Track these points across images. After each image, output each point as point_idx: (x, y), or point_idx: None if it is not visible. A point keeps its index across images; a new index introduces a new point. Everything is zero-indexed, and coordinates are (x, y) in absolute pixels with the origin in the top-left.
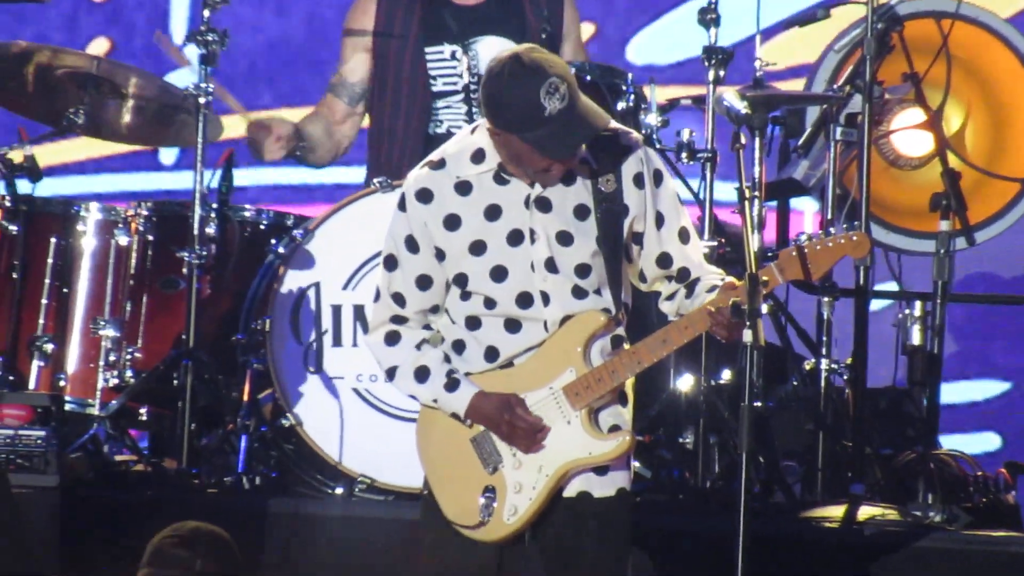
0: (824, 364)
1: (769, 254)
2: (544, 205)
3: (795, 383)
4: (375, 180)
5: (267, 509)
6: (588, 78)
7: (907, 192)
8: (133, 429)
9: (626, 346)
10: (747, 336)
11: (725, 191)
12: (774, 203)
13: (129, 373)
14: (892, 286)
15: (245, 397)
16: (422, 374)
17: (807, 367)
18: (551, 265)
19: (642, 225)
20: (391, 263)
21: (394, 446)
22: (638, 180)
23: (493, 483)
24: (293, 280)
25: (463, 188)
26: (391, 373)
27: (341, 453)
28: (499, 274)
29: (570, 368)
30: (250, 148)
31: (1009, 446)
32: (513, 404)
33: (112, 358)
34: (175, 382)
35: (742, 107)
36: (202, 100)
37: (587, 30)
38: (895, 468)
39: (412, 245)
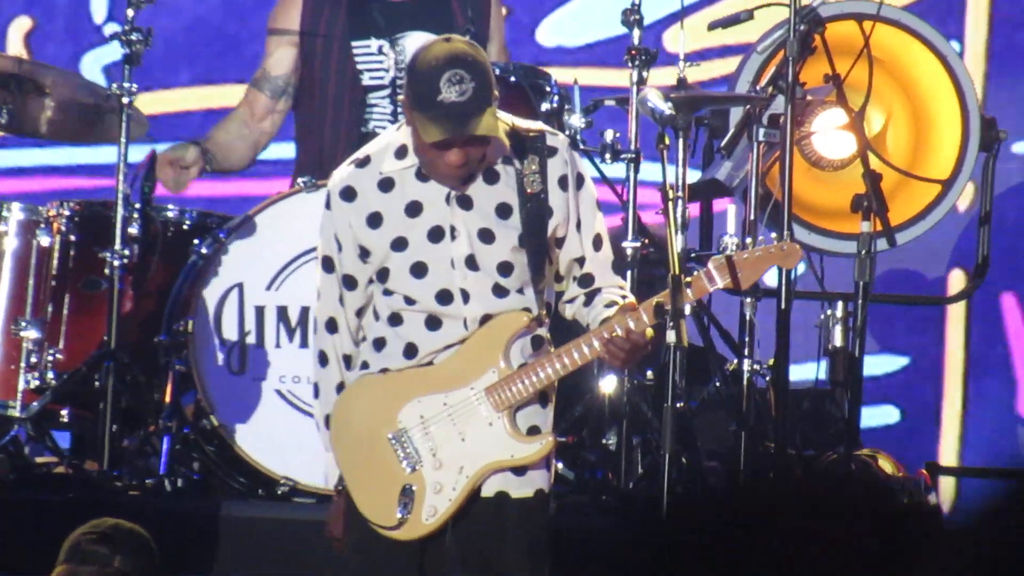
0: (747, 365)
1: (692, 255)
2: (465, 202)
3: (718, 384)
4: (299, 180)
5: (189, 511)
6: (513, 79)
7: (829, 193)
8: (55, 430)
9: (550, 348)
10: (670, 336)
11: (651, 171)
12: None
13: (51, 374)
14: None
15: (167, 399)
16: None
17: (730, 368)
18: (471, 262)
19: (564, 230)
20: (328, 264)
21: (318, 448)
22: (563, 182)
23: (411, 482)
24: (216, 281)
25: (385, 185)
26: (315, 390)
27: (264, 455)
28: (419, 270)
29: (492, 368)
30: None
31: (908, 419)
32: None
33: (33, 359)
34: (96, 383)
35: (666, 108)
36: (125, 100)
37: None
38: (816, 469)
39: (338, 244)
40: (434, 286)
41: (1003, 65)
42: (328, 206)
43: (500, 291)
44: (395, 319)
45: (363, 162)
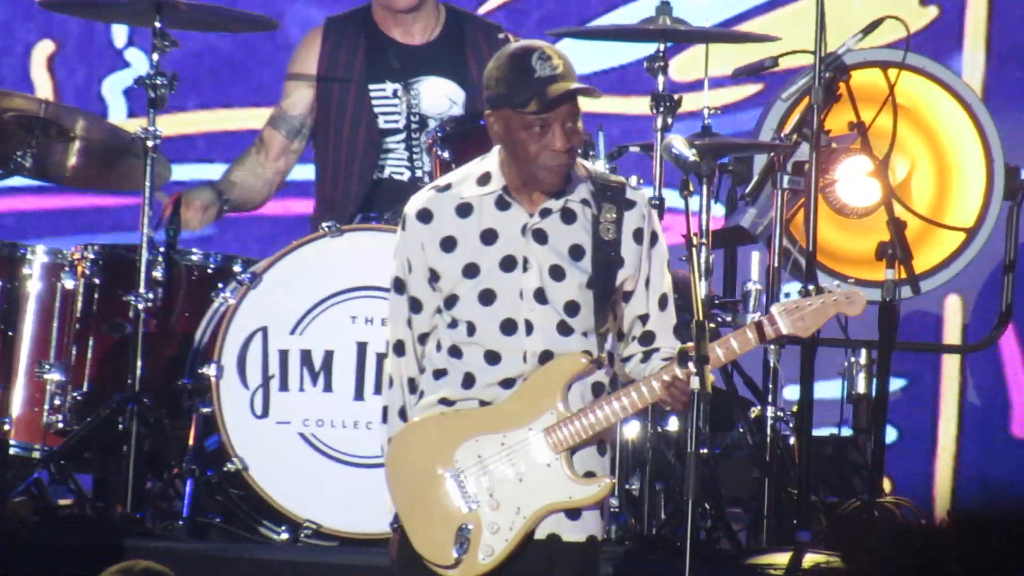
0: (770, 411)
1: (716, 301)
2: (540, 236)
3: (741, 430)
4: (324, 224)
5: (212, 554)
6: None
7: (853, 240)
8: (78, 473)
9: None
10: (694, 383)
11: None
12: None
13: (74, 417)
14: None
15: (191, 442)
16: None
17: (753, 414)
18: (540, 296)
19: (633, 284)
20: (399, 286)
21: (340, 491)
22: (638, 235)
23: (468, 521)
24: (240, 325)
25: (463, 210)
26: (384, 413)
27: (287, 498)
28: (487, 298)
29: (550, 410)
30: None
31: (904, 438)
32: None
33: (57, 402)
34: (120, 426)
35: (691, 154)
36: (150, 143)
37: None
38: (840, 515)
39: (409, 266)
40: (499, 315)
41: (999, 98)
42: (403, 227)
43: (564, 329)
44: (455, 351)
45: (444, 188)
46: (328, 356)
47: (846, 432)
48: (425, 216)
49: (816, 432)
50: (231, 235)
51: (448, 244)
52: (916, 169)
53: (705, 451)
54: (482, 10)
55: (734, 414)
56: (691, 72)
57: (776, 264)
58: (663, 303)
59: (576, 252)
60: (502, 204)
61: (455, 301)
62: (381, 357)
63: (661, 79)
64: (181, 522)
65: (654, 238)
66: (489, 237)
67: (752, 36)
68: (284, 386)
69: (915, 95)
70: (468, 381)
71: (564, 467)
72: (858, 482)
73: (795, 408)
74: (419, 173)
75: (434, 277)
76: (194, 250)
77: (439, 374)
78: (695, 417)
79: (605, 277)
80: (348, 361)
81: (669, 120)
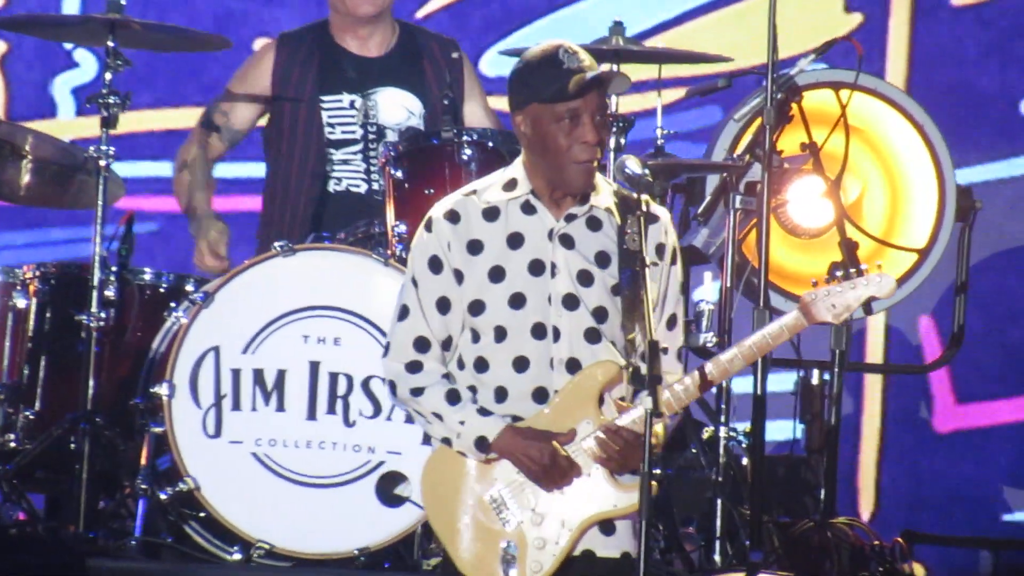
0: (723, 431)
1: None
2: (567, 241)
3: (694, 450)
4: (276, 244)
5: (164, 574)
6: (491, 144)
7: (805, 261)
8: (30, 492)
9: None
10: (647, 403)
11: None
12: None
13: (26, 436)
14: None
15: (143, 461)
16: (453, 397)
17: (706, 434)
18: (569, 301)
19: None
20: (414, 284)
21: (293, 511)
22: (660, 250)
23: (513, 539)
24: (192, 344)
25: (490, 214)
26: (417, 392)
27: (240, 518)
28: (517, 302)
29: (586, 419)
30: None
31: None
32: (548, 439)
33: (9, 421)
34: (72, 446)
35: (644, 174)
36: (103, 162)
37: None
38: (793, 536)
39: (435, 265)
40: (530, 318)
41: (922, 102)
42: (428, 228)
43: (592, 336)
44: (481, 364)
45: (469, 193)
46: (280, 376)
47: (799, 429)
48: (453, 217)
49: (767, 435)
50: (184, 234)
51: (474, 247)
52: (868, 190)
53: (658, 471)
54: (424, 12)
55: (687, 434)
56: (636, 74)
57: (728, 284)
58: (672, 323)
59: (602, 259)
60: (528, 208)
61: (482, 307)
62: (334, 377)
63: (614, 99)
64: (133, 542)
65: (674, 256)
66: (515, 241)
67: (705, 56)
68: (236, 405)
69: (867, 116)
70: (500, 395)
71: (605, 476)
72: (811, 502)
73: (747, 428)
74: (376, 187)
75: (459, 278)
76: (146, 269)
77: (470, 391)
78: (647, 437)
79: (632, 285)
80: (301, 381)
81: (622, 141)
